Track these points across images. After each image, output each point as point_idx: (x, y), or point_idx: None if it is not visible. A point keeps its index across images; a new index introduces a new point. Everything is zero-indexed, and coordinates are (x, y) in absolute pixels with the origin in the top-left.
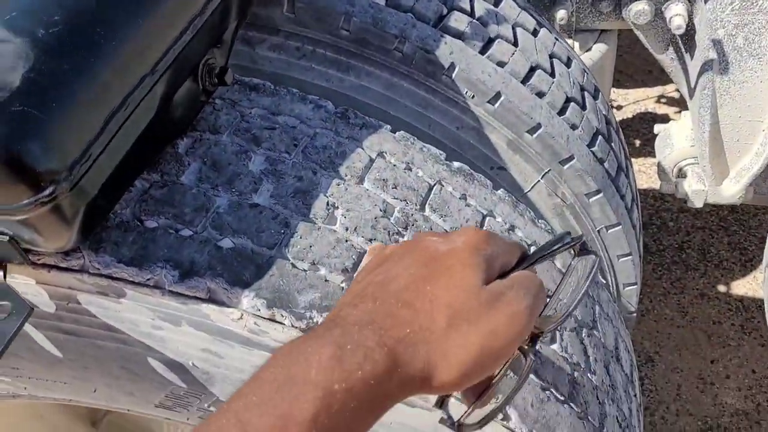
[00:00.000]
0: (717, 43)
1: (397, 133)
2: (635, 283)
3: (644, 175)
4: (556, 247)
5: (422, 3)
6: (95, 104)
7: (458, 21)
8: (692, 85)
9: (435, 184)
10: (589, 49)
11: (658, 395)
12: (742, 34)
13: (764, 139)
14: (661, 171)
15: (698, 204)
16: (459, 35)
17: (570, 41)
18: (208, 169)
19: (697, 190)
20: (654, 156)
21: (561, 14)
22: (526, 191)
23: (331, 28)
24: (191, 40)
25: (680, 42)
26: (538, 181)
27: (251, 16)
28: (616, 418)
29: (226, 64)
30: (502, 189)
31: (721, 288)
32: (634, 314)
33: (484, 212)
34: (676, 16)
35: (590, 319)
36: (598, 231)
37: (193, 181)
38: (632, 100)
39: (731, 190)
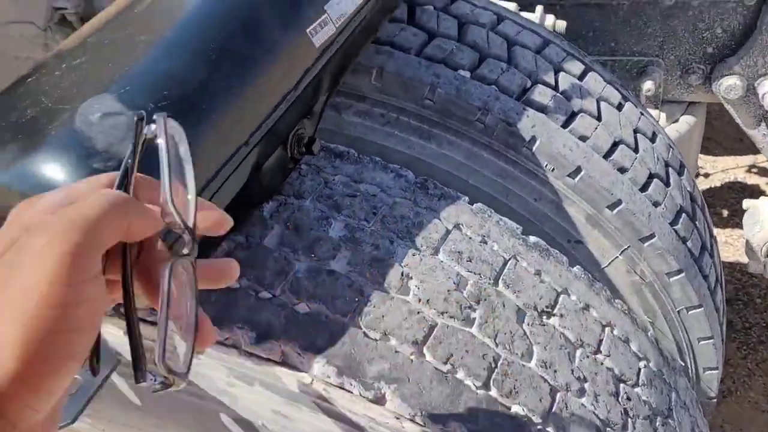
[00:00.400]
0: None
1: (475, 205)
2: (716, 368)
3: (731, 247)
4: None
5: (507, 76)
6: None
7: (542, 94)
8: None
9: (510, 259)
10: (676, 121)
11: None
12: None
13: None
14: (749, 249)
15: None
16: (542, 108)
17: (656, 112)
18: (290, 234)
19: None
20: (741, 227)
21: (648, 85)
22: (603, 266)
23: (416, 98)
24: (284, 113)
25: None
26: (617, 257)
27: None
28: None
29: (315, 133)
30: (577, 266)
31: None
32: (714, 400)
33: (559, 289)
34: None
35: (666, 407)
36: (678, 312)
37: (275, 245)
38: (720, 169)
39: None
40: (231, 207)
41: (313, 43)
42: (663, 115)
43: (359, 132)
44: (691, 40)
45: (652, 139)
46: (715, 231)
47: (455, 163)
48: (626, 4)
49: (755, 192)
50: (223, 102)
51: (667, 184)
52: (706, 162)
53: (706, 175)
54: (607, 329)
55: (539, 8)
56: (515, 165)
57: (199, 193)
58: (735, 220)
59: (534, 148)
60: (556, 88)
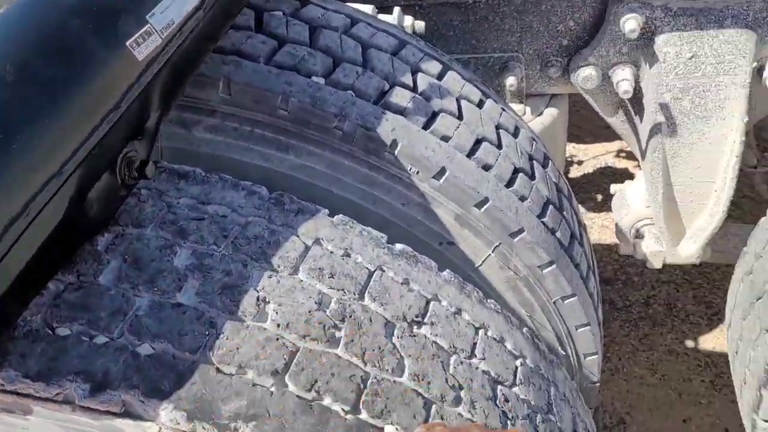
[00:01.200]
0: (664, 107)
1: (336, 217)
2: (596, 353)
3: (608, 230)
4: None
5: (363, 80)
6: None
7: (400, 97)
8: (643, 148)
9: (375, 270)
10: (541, 114)
11: None
12: (688, 97)
13: (717, 199)
14: (619, 232)
15: (657, 265)
16: (401, 111)
17: (521, 106)
18: (128, 267)
19: (655, 251)
20: None
21: (511, 81)
22: (477, 265)
23: (269, 109)
24: (106, 135)
25: (629, 105)
26: (489, 254)
27: (186, 98)
28: None
29: (149, 155)
30: (447, 270)
31: (690, 343)
32: (597, 384)
33: (428, 296)
34: (623, 80)
35: (545, 403)
36: (554, 302)
37: (111, 281)
38: (592, 155)
39: (689, 250)
40: (54, 243)
41: (134, 56)
42: (528, 109)
43: (212, 149)
44: (547, 34)
45: (515, 134)
46: (592, 215)
47: (317, 173)
48: (483, 2)
49: (625, 175)
50: (25, 130)
51: (532, 177)
52: (578, 150)
53: (579, 162)
54: (480, 331)
55: (397, 10)
56: (379, 171)
57: (3, 233)
58: (609, 203)
59: (396, 152)
60: (414, 89)
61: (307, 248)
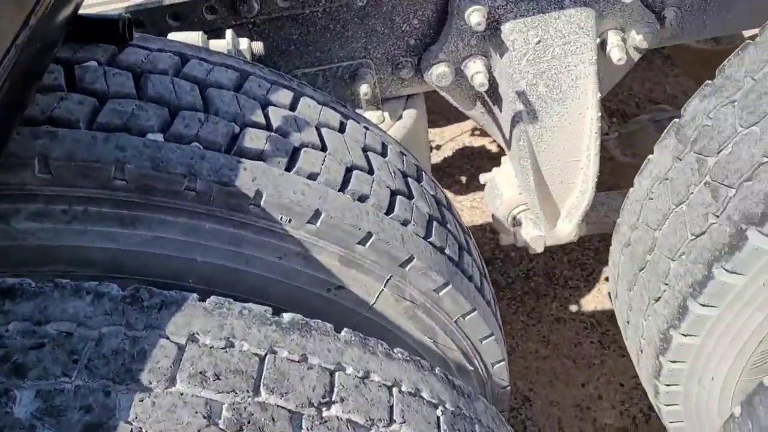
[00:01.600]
0: (521, 95)
1: (208, 301)
2: (503, 359)
3: (477, 210)
4: None
5: (208, 127)
6: None
7: (254, 139)
8: (507, 137)
9: (266, 355)
10: (400, 117)
11: None
12: (542, 81)
13: (585, 177)
14: (497, 222)
15: (539, 249)
16: (258, 155)
17: (379, 113)
18: None
19: (534, 236)
20: (482, 189)
21: (364, 89)
22: (371, 304)
23: (101, 182)
24: None
25: (486, 97)
26: (382, 290)
27: None
28: None
29: None
30: (345, 330)
31: (573, 308)
32: (508, 387)
33: (332, 368)
34: (476, 74)
35: None
36: (455, 321)
37: None
38: (449, 138)
39: (566, 229)
40: None
41: None
42: (386, 115)
43: (40, 239)
44: (393, 36)
45: (384, 153)
46: (460, 198)
47: (175, 244)
48: (320, 12)
49: (483, 153)
50: None
51: (410, 197)
52: (434, 135)
53: (438, 147)
54: (394, 390)
55: (229, 33)
56: (246, 227)
57: None
58: (474, 183)
59: (262, 203)
60: (268, 126)
61: (181, 350)
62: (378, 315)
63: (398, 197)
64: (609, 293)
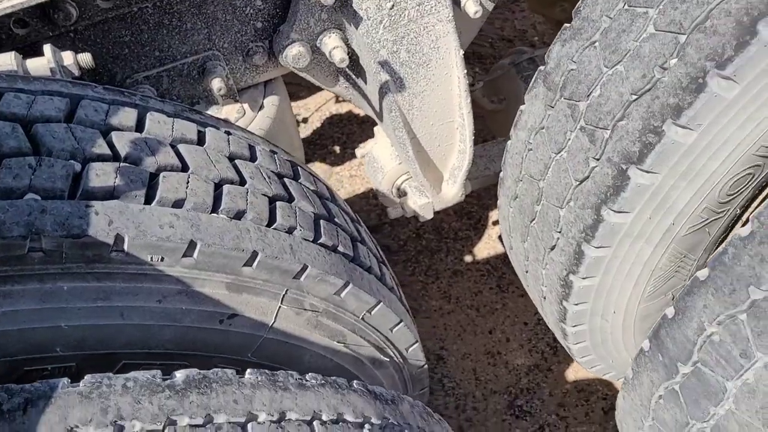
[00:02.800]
0: (384, 64)
1: (82, 383)
2: (416, 341)
3: (357, 179)
4: None
5: (42, 173)
6: None
7: (101, 175)
8: (378, 109)
9: (165, 428)
10: (262, 107)
11: (461, 388)
12: (403, 47)
13: (461, 136)
14: (382, 196)
15: (429, 216)
16: (110, 193)
17: (238, 105)
18: None
19: (422, 204)
20: (357, 157)
21: (217, 84)
22: (271, 324)
23: None
24: None
25: (349, 71)
26: (280, 307)
27: None
28: None
29: None
30: (249, 371)
31: (468, 258)
32: (425, 365)
33: (242, 420)
34: (334, 49)
35: None
36: (363, 318)
37: None
38: (314, 108)
39: (452, 191)
40: None
41: None
42: (246, 106)
43: None
44: (237, 22)
45: (253, 157)
46: (337, 169)
47: (28, 313)
48: (149, 6)
49: (352, 119)
50: None
51: (290, 199)
52: (298, 107)
53: (305, 120)
54: (315, 423)
55: (48, 48)
56: (112, 277)
57: None
58: (349, 152)
59: (125, 248)
60: (115, 156)
61: None
62: (280, 333)
63: (278, 204)
64: (500, 238)
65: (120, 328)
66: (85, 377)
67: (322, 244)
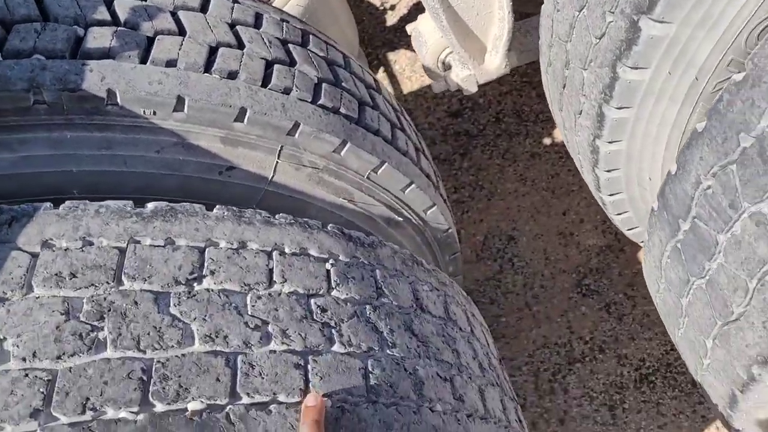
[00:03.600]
0: None
1: (61, 206)
2: (433, 204)
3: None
4: None
5: (47, 36)
6: None
7: (100, 38)
8: None
9: (127, 245)
10: None
11: (530, 267)
12: None
13: (500, 3)
14: (428, 71)
15: (473, 89)
16: (106, 54)
17: None
18: None
19: (465, 76)
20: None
21: None
22: (271, 177)
23: None
24: None
25: None
26: (277, 162)
27: None
28: (437, 374)
29: None
30: (217, 207)
31: (547, 141)
32: (450, 229)
33: (201, 245)
34: None
35: (372, 289)
36: (368, 177)
37: None
38: None
39: (495, 62)
40: None
41: None
42: None
43: None
44: None
45: (257, 25)
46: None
47: (43, 159)
48: None
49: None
50: None
51: (291, 63)
52: None
53: (392, 7)
54: (275, 254)
55: None
56: (112, 128)
57: None
58: None
59: (119, 101)
60: (115, 22)
61: (34, 257)
62: (282, 187)
63: (275, 67)
64: None
65: (126, 176)
66: (65, 203)
67: (321, 105)
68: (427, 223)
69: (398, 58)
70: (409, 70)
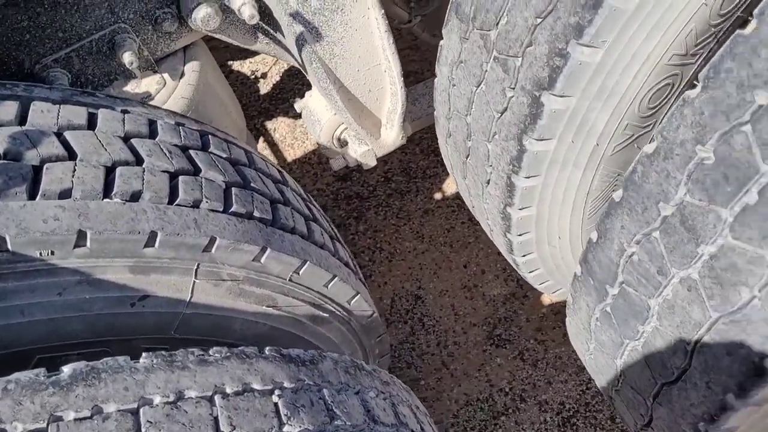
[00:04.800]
0: (296, 15)
1: None
2: (357, 293)
3: None
4: None
5: None
6: None
7: None
8: (300, 61)
9: (48, 426)
10: (183, 74)
11: (441, 325)
12: None
13: (390, 78)
14: (324, 149)
15: (372, 163)
16: None
17: (158, 77)
18: None
19: (363, 152)
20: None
21: (128, 57)
22: (189, 299)
23: None
24: None
25: (265, 26)
26: (194, 282)
27: None
28: None
29: None
30: (144, 356)
31: (437, 196)
32: (374, 314)
33: (134, 406)
34: (243, 6)
35: (324, 413)
36: (290, 279)
37: None
38: (272, 62)
39: (392, 135)
40: None
41: None
42: (167, 76)
43: None
44: None
45: (153, 134)
46: (301, 121)
47: None
48: None
49: None
50: None
51: (196, 172)
52: (257, 63)
53: (263, 76)
54: (217, 398)
55: None
56: (4, 278)
57: None
58: None
59: (9, 247)
60: None
61: None
62: (202, 306)
63: (180, 178)
64: None
65: (23, 326)
66: None
67: (234, 213)
68: (351, 312)
69: (277, 126)
70: (290, 137)
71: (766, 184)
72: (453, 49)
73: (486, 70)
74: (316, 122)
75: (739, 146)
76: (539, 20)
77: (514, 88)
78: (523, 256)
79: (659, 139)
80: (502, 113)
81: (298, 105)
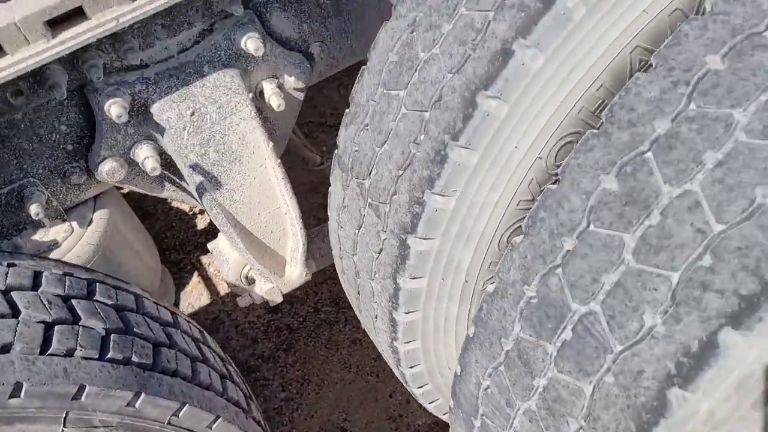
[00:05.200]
0: (196, 167)
1: None
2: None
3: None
4: None
5: None
6: None
7: None
8: (203, 207)
9: None
10: (91, 222)
11: None
12: (211, 148)
13: (291, 220)
14: (233, 287)
15: (278, 299)
16: None
17: (65, 225)
18: None
19: (268, 289)
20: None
21: (34, 209)
22: None
23: None
24: None
25: (170, 175)
26: (63, 430)
27: None
28: None
29: None
30: None
31: None
32: None
33: None
34: (146, 159)
35: None
36: (169, 422)
37: None
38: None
39: (296, 272)
40: None
41: None
42: (75, 224)
43: None
44: (46, 148)
45: (35, 285)
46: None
47: None
48: None
49: None
50: None
51: (75, 321)
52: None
53: (201, 212)
54: None
55: None
56: None
57: None
58: None
59: None
60: None
61: None
62: None
63: (56, 328)
64: None
65: None
66: None
67: (110, 359)
68: None
69: (212, 261)
70: None
71: (577, 321)
72: (338, 195)
73: (363, 215)
74: (225, 262)
75: (554, 287)
76: (401, 172)
77: (385, 231)
78: (419, 387)
79: (497, 280)
80: (378, 254)
81: (211, 245)
